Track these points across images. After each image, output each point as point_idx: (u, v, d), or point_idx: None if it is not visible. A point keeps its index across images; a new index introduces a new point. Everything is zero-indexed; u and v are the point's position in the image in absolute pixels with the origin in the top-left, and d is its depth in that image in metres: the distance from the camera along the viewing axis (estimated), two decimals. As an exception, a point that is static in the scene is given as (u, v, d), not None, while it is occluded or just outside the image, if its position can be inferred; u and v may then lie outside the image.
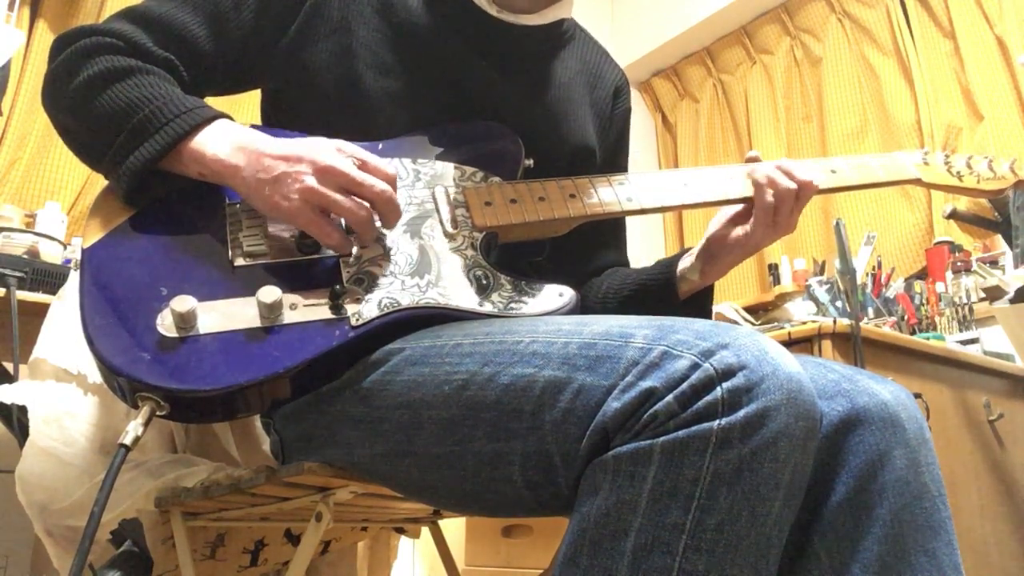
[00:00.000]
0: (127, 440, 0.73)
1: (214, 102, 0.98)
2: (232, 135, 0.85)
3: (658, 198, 0.95)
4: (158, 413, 0.75)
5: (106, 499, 0.71)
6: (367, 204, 0.83)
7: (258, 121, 1.03)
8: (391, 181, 0.84)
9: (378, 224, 0.85)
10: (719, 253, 1.01)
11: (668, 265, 1.05)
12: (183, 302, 0.76)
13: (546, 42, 1.07)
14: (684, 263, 1.04)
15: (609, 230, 1.17)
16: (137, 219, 0.86)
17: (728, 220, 1.01)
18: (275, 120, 1.03)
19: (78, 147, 0.90)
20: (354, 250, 0.85)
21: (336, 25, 0.97)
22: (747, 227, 0.98)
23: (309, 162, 0.81)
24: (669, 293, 1.04)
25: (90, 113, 0.86)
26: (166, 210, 0.87)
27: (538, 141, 1.00)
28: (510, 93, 1.02)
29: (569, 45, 1.12)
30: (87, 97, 0.86)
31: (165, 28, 0.93)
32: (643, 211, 0.95)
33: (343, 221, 0.84)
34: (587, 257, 1.14)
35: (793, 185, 0.95)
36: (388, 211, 0.84)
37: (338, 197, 0.81)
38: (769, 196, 0.95)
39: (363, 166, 0.83)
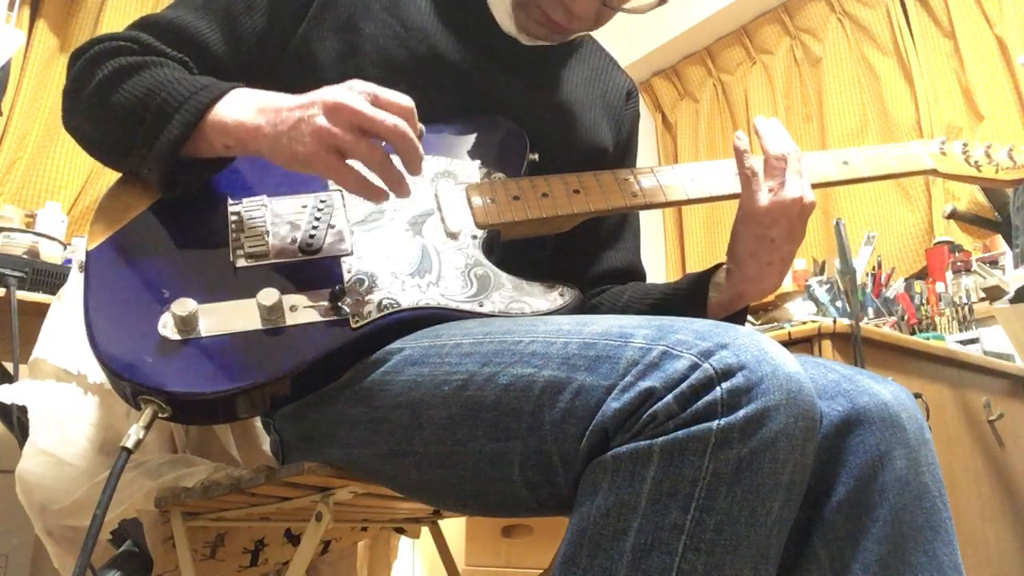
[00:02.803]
0: (129, 443, 0.74)
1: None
2: (251, 99, 0.83)
3: (664, 193, 0.94)
4: (160, 415, 0.75)
5: (108, 501, 0.71)
6: (382, 144, 0.78)
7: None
8: (406, 114, 0.78)
9: (401, 170, 0.80)
10: (733, 242, 0.94)
11: (700, 274, 0.99)
12: (184, 305, 0.76)
13: (556, 48, 1.07)
14: (718, 276, 0.98)
15: (619, 231, 1.15)
16: (140, 221, 0.86)
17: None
18: None
19: (103, 153, 0.90)
20: (348, 248, 0.83)
21: (344, 22, 0.97)
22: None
23: (320, 103, 0.78)
24: (697, 300, 0.97)
25: (108, 112, 0.86)
26: (169, 212, 0.87)
27: (547, 141, 1.00)
28: (518, 94, 1.02)
29: (577, 52, 1.11)
30: (103, 98, 0.86)
31: (178, 33, 0.93)
32: (648, 206, 0.94)
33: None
34: (595, 258, 1.13)
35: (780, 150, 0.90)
36: (405, 148, 0.78)
37: (349, 137, 0.76)
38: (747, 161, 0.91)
39: (375, 100, 0.78)
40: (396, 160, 0.80)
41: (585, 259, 1.12)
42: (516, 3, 0.97)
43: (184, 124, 0.82)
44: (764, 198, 0.89)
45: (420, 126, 0.81)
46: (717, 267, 0.98)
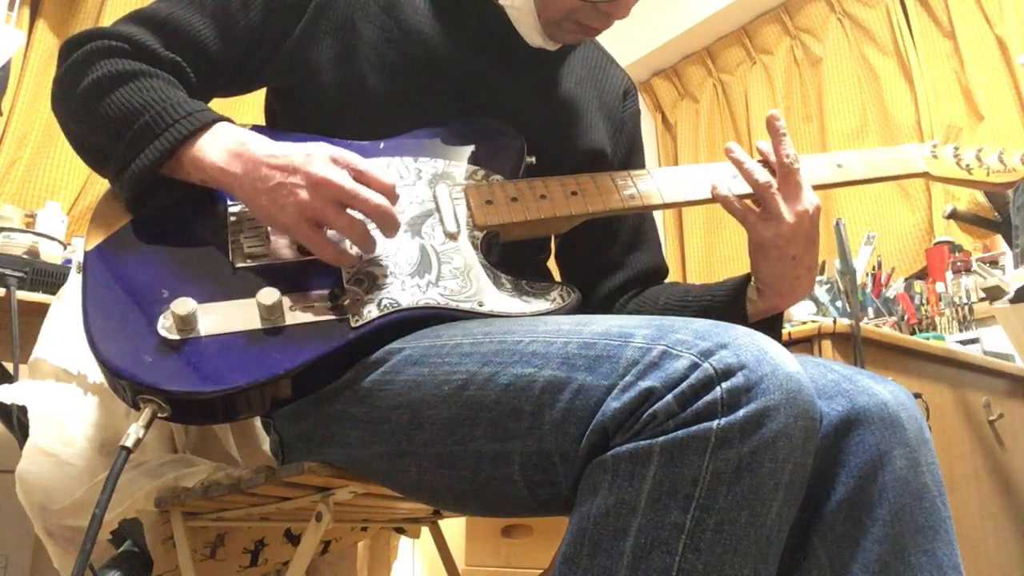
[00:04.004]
0: (129, 442, 0.74)
1: (220, 103, 0.97)
2: (230, 140, 0.84)
3: (661, 194, 0.94)
4: (160, 415, 0.75)
5: (107, 501, 0.71)
6: (361, 218, 0.81)
7: (259, 120, 1.03)
8: (388, 191, 0.81)
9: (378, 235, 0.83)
10: (756, 269, 0.95)
11: (736, 285, 0.98)
12: (183, 304, 0.76)
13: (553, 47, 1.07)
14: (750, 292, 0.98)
15: (640, 232, 1.14)
16: (139, 222, 0.87)
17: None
18: (280, 117, 1.03)
19: (84, 153, 0.90)
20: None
21: (341, 24, 0.97)
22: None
23: (304, 174, 0.79)
24: (739, 314, 0.96)
25: (94, 118, 0.86)
26: (168, 212, 0.87)
27: (545, 144, 0.99)
28: (516, 96, 1.02)
29: (575, 50, 1.11)
30: (91, 102, 0.86)
31: (172, 30, 0.92)
32: (645, 207, 0.94)
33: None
34: (622, 262, 1.12)
35: (765, 178, 0.89)
36: (385, 224, 0.82)
37: (331, 212, 0.79)
38: (724, 189, 0.91)
39: (359, 176, 0.81)
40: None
41: (612, 264, 1.12)
42: (548, 21, 0.97)
43: (161, 152, 0.82)
44: (771, 228, 0.90)
45: (398, 195, 0.85)
46: (749, 277, 0.98)
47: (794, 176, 0.90)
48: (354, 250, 0.83)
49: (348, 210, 0.81)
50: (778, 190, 0.89)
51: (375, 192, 0.80)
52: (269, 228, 0.86)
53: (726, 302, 0.98)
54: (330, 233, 0.83)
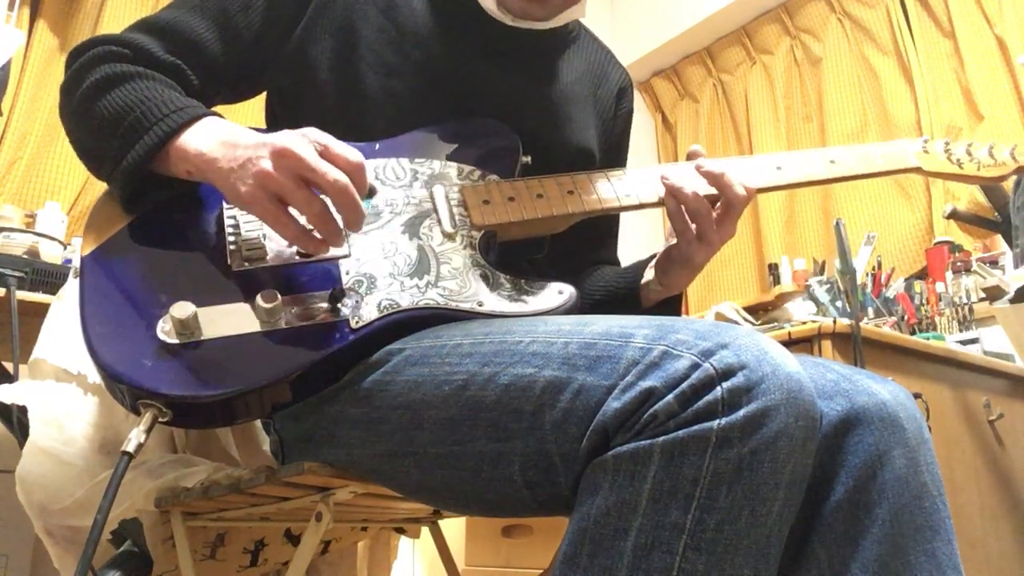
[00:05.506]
0: (130, 448, 0.73)
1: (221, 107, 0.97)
2: (217, 131, 0.83)
3: (656, 192, 0.95)
4: (160, 419, 0.74)
5: (109, 506, 0.71)
6: (321, 197, 0.77)
7: (259, 121, 1.03)
8: (353, 170, 0.77)
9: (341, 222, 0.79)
10: (668, 269, 0.99)
11: (635, 275, 1.04)
12: (183, 308, 0.76)
13: (551, 42, 1.07)
14: (648, 275, 1.03)
15: (605, 225, 1.17)
16: (136, 226, 0.86)
17: (670, 231, 0.99)
18: (280, 118, 1.03)
19: (86, 158, 0.91)
20: (345, 251, 0.84)
21: (340, 24, 0.97)
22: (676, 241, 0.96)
23: (269, 146, 0.77)
24: (634, 303, 1.04)
25: (90, 120, 0.87)
26: (164, 216, 0.87)
27: (540, 143, 1.00)
28: (513, 94, 1.02)
29: (574, 45, 1.12)
30: (88, 104, 0.87)
31: (174, 34, 0.93)
32: (641, 206, 0.95)
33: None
34: (585, 254, 1.14)
35: (702, 195, 0.91)
36: (343, 204, 0.76)
37: (290, 184, 0.76)
38: (675, 207, 0.92)
39: (324, 152, 0.77)
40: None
41: (577, 256, 1.12)
42: None
43: (150, 146, 0.82)
44: (702, 252, 0.94)
45: (370, 184, 0.80)
46: (648, 262, 1.03)
47: (736, 210, 0.92)
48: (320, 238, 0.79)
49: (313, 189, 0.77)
50: (716, 219, 0.92)
51: (336, 168, 0.76)
52: (267, 231, 0.86)
53: (625, 293, 1.04)
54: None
